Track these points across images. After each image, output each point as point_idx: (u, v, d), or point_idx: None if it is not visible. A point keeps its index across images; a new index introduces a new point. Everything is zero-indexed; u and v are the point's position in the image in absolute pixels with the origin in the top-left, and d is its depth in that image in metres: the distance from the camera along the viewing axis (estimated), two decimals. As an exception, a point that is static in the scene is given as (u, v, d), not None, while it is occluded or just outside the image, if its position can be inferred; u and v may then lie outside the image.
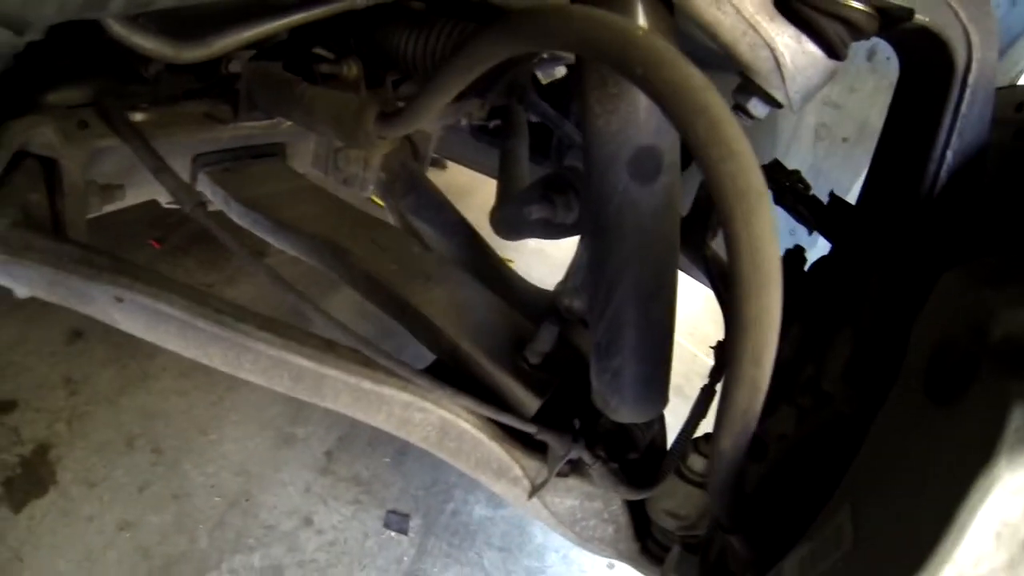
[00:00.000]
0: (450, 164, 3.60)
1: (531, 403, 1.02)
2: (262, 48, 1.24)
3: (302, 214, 1.38)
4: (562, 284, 1.09)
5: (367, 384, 0.97)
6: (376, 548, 1.86)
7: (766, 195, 0.50)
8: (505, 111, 1.93)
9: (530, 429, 0.99)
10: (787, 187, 1.19)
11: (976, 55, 0.76)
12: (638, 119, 0.74)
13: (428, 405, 1.00)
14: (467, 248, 1.62)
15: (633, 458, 1.02)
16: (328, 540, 1.82)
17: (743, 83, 0.75)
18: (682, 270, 1.13)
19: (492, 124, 2.07)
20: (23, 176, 1.05)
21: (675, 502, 0.98)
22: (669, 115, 0.52)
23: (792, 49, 0.75)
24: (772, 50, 0.74)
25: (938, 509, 0.46)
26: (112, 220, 1.29)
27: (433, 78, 0.80)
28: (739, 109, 0.77)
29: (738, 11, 0.72)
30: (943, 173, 0.79)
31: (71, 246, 0.98)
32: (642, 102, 0.73)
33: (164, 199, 1.42)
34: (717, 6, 0.72)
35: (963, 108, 0.78)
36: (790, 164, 1.29)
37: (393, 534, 1.92)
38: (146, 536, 1.65)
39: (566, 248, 1.09)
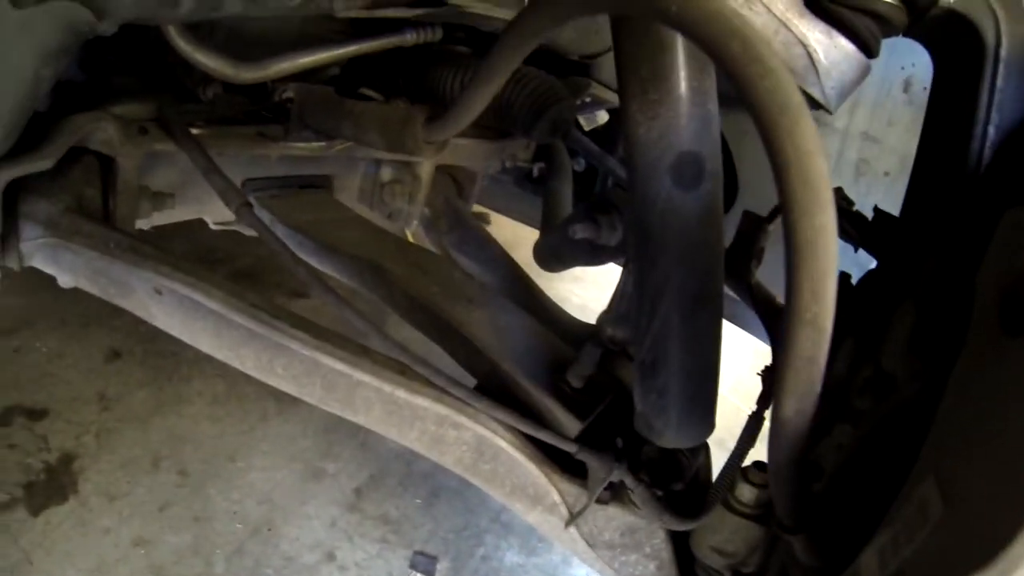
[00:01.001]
0: (494, 219, 3.63)
1: (572, 425, 0.99)
2: (314, 83, 1.28)
3: (346, 239, 1.39)
4: (605, 313, 1.06)
5: (401, 394, 0.94)
6: (399, 587, 1.80)
7: (806, 109, 0.48)
8: (549, 153, 1.95)
9: (570, 447, 0.95)
10: None
11: (1005, 29, 0.78)
12: (679, 125, 0.74)
13: (464, 420, 0.96)
14: (510, 281, 1.61)
15: (678, 489, 0.97)
16: (351, 577, 1.77)
17: None
18: (727, 319, 1.11)
19: (536, 169, 2.10)
20: (81, 170, 1.08)
21: (722, 536, 0.92)
22: (705, 46, 0.52)
23: (825, 45, 0.77)
24: (805, 47, 0.76)
25: None
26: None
27: (481, 65, 0.80)
28: None
29: (769, 10, 0.74)
30: (987, 149, 0.81)
31: (118, 234, 0.98)
32: (683, 108, 0.73)
33: (212, 220, 1.44)
34: (749, 6, 0.74)
35: (999, 82, 0.79)
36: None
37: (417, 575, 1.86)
38: (161, 555, 1.62)
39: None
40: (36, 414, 1.89)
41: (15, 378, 2.01)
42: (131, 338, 2.24)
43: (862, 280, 1.06)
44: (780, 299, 1.16)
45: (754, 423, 1.05)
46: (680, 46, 0.75)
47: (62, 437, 1.83)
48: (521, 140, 1.94)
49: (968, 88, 0.81)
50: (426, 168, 1.62)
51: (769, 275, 1.23)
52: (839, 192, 1.25)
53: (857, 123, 1.93)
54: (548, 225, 1.67)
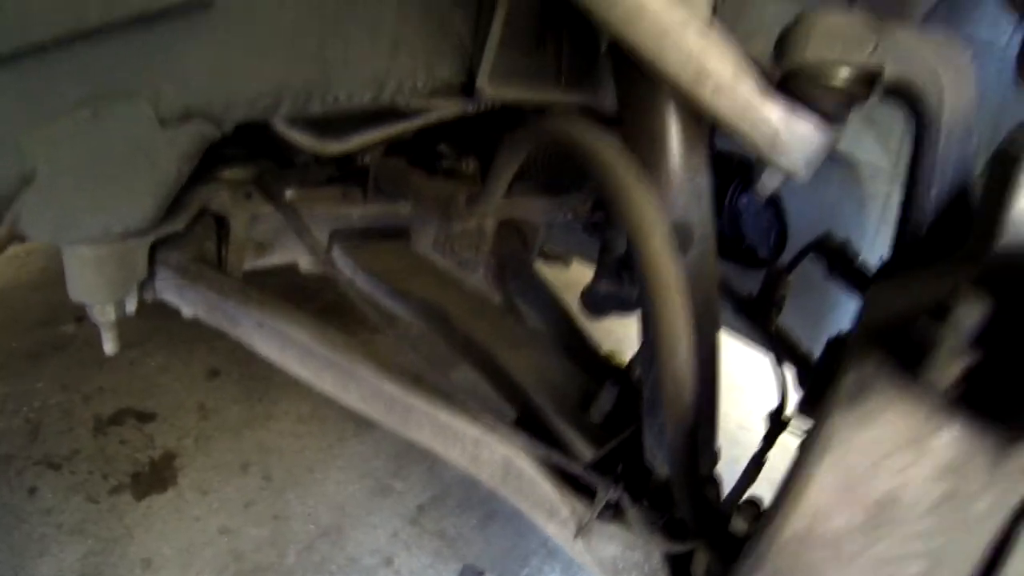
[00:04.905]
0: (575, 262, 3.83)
1: (586, 451, 1.17)
2: (393, 143, 1.49)
3: (417, 285, 1.61)
4: (634, 356, 1.24)
5: (443, 417, 1.15)
6: (447, 596, 2.00)
7: (662, 227, 0.77)
8: (605, 206, 2.13)
9: (575, 468, 1.14)
10: (837, 258, 1.24)
11: (948, 98, 0.83)
12: (671, 197, 0.91)
13: (493, 442, 1.16)
14: (559, 324, 1.79)
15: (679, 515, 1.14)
16: (404, 581, 1.97)
17: (757, 159, 0.89)
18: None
19: (597, 217, 2.28)
20: (203, 227, 1.34)
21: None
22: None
23: (788, 121, 0.87)
24: (770, 125, 0.87)
25: None
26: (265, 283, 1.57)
27: (492, 165, 1.00)
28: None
29: (737, 96, 0.85)
30: (927, 212, 0.86)
31: (231, 278, 1.23)
32: (675, 182, 0.90)
33: (303, 264, 1.69)
34: (719, 95, 0.85)
35: (940, 148, 0.85)
36: (879, 247, 1.35)
37: (466, 586, 2.05)
38: (242, 543, 1.87)
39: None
40: (145, 417, 2.20)
41: (129, 385, 2.34)
42: (229, 360, 2.53)
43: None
44: (802, 346, 1.28)
45: (755, 463, 1.20)
46: (673, 130, 0.92)
47: (166, 438, 2.12)
48: (580, 194, 2.14)
49: (917, 151, 0.87)
50: (490, 223, 1.84)
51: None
52: (845, 245, 1.35)
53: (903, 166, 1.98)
54: (597, 273, 1.87)
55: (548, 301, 1.90)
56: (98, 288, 1.09)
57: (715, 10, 1.04)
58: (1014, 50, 1.74)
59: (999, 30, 1.73)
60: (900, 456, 0.48)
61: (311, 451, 2.27)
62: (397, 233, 1.84)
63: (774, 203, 1.85)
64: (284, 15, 0.91)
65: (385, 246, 1.78)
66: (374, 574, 1.95)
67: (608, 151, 0.86)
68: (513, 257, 2.01)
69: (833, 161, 1.52)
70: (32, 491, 1.89)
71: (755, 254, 1.91)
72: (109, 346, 1.17)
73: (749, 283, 1.39)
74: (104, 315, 1.13)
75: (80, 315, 2.52)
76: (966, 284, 0.45)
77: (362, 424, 2.33)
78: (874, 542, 0.50)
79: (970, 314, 0.44)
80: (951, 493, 0.47)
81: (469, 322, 1.47)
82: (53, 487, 1.91)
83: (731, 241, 1.93)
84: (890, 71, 0.83)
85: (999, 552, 0.47)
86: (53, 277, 2.76)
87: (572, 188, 1.81)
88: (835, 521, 0.51)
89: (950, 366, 0.45)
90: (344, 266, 1.69)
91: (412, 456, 2.34)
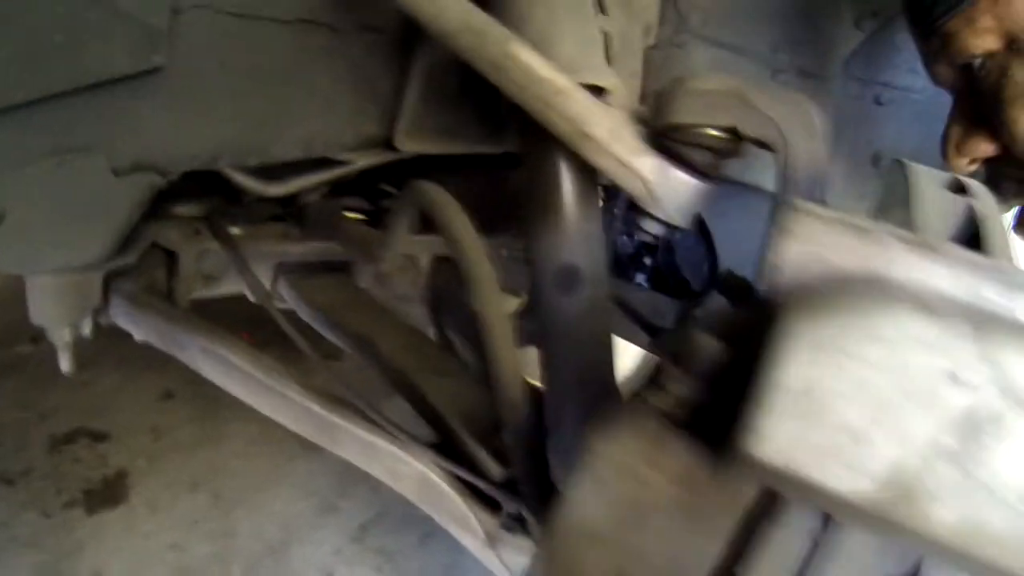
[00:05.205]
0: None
1: (495, 469, 1.31)
2: (334, 185, 1.62)
3: (353, 318, 1.74)
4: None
5: (364, 435, 1.28)
6: (385, 611, 2.11)
7: (491, 276, 1.01)
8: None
9: (482, 484, 1.27)
10: (738, 294, 1.27)
11: (793, 149, 0.92)
12: (560, 241, 1.04)
13: (410, 459, 1.29)
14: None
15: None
16: (345, 597, 2.08)
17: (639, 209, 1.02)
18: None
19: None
20: (153, 260, 1.46)
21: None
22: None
23: (659, 176, 0.98)
24: (642, 180, 0.98)
25: None
26: (218, 311, 1.66)
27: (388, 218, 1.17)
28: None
29: (612, 154, 0.97)
30: None
31: (177, 310, 1.36)
32: (567, 227, 1.03)
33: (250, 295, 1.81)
34: (598, 153, 0.97)
35: (789, 193, 0.93)
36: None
37: (403, 603, 2.16)
38: (189, 559, 1.97)
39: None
40: (98, 436, 2.29)
41: (83, 405, 2.42)
42: (181, 382, 2.60)
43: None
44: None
45: None
46: (565, 180, 1.04)
47: (118, 457, 2.21)
48: (513, 233, 2.27)
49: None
50: (425, 259, 1.98)
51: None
52: (743, 281, 1.43)
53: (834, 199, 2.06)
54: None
55: (477, 333, 2.03)
56: (57, 313, 1.22)
57: (609, 60, 1.19)
58: (928, 95, 1.88)
59: (916, 76, 1.84)
60: (640, 468, 0.61)
61: (260, 471, 2.36)
62: (340, 267, 1.97)
63: (706, 237, 1.94)
64: (226, 81, 1.05)
65: (329, 279, 1.91)
66: (316, 589, 2.06)
67: (450, 211, 1.11)
68: (448, 291, 2.14)
69: (762, 196, 1.64)
70: (-15, 505, 1.98)
71: (689, 286, 2.04)
72: (65, 365, 1.29)
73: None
74: (61, 337, 1.25)
75: (35, 336, 2.59)
76: (694, 330, 0.60)
77: (309, 445, 2.39)
78: (627, 536, 0.61)
79: (699, 354, 0.58)
80: (681, 500, 0.61)
81: (398, 353, 1.60)
82: (8, 501, 2.00)
83: (666, 274, 2.08)
84: (743, 129, 0.94)
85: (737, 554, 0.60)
86: (8, 300, 2.83)
87: (505, 228, 1.95)
88: (597, 520, 0.63)
89: (664, 395, 0.60)
90: (288, 297, 1.81)
91: (356, 476, 2.39)
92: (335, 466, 2.45)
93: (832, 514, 0.56)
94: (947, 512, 0.49)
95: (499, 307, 1.01)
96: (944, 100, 1.37)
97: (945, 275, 0.55)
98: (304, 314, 1.77)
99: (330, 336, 1.72)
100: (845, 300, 0.53)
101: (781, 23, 1.69)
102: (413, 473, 1.31)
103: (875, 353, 0.51)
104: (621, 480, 0.60)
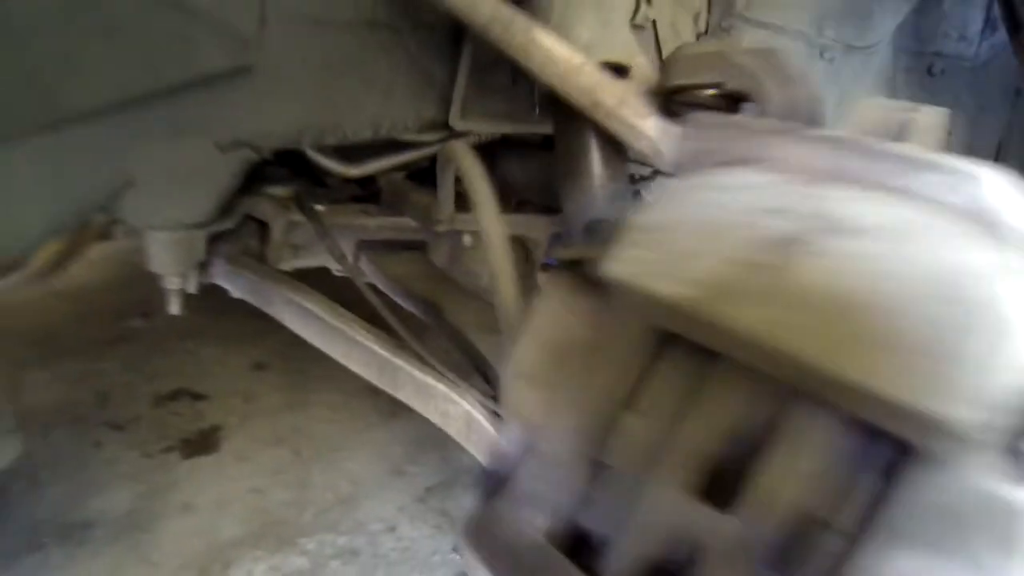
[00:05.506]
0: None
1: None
2: (408, 168, 1.84)
3: (423, 287, 1.95)
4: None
5: (419, 375, 1.48)
6: (439, 563, 2.28)
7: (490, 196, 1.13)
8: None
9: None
10: None
11: (773, 99, 0.98)
12: (591, 198, 1.22)
13: (459, 399, 1.48)
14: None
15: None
16: (403, 546, 2.25)
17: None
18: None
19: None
20: (249, 228, 1.71)
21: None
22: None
23: (661, 133, 1.10)
24: (648, 139, 1.12)
25: None
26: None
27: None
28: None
29: (621, 118, 1.12)
30: None
31: (267, 268, 1.60)
32: (594, 186, 1.21)
33: (333, 268, 2.03)
34: (610, 118, 1.12)
35: None
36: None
37: (458, 557, 2.32)
38: (267, 502, 2.19)
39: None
40: (197, 396, 2.57)
41: (185, 370, 2.71)
42: (273, 355, 2.87)
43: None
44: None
45: None
46: (593, 146, 1.20)
47: (214, 414, 2.48)
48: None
49: None
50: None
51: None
52: None
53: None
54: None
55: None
56: (170, 263, 1.47)
57: (658, 46, 1.34)
58: (981, 62, 1.90)
59: (967, 44, 1.88)
60: (562, 315, 0.77)
61: (339, 435, 2.58)
62: (417, 246, 2.20)
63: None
64: (305, 74, 1.28)
65: (405, 256, 2.13)
66: (377, 538, 2.24)
67: (467, 159, 1.30)
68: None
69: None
70: (97, 444, 2.27)
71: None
72: (175, 308, 1.54)
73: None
74: (172, 283, 1.50)
75: (146, 311, 2.93)
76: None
77: (387, 414, 2.64)
78: (552, 375, 0.76)
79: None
80: (588, 339, 0.75)
81: (460, 315, 1.80)
82: (116, 443, 2.28)
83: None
84: (727, 84, 1.05)
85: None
86: (123, 280, 3.16)
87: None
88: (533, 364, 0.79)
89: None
90: (368, 270, 2.04)
91: (428, 445, 2.59)
92: (409, 436, 2.65)
93: (663, 321, 0.69)
94: (753, 311, 0.61)
95: (498, 227, 1.19)
96: (995, 66, 1.37)
97: (806, 151, 0.68)
98: (381, 284, 2.00)
99: (402, 303, 1.94)
100: (708, 169, 0.69)
101: (825, 1, 1.74)
102: (461, 414, 1.49)
103: (713, 196, 0.65)
104: (549, 327, 0.76)
